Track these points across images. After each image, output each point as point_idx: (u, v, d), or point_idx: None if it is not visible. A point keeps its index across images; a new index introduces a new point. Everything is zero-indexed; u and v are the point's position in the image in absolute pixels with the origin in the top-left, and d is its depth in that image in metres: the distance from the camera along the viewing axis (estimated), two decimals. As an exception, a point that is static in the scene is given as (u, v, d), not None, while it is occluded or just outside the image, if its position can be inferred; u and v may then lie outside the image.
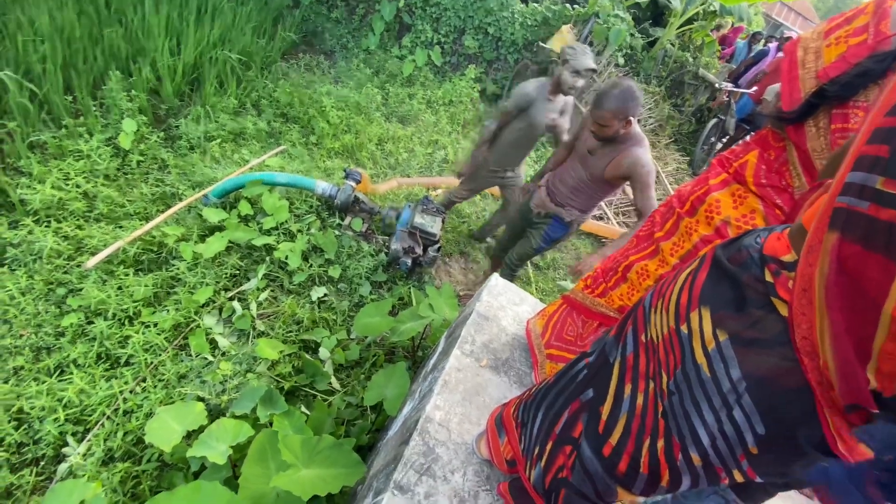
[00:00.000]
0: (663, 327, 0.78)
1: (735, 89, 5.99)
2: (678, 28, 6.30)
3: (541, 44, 5.37)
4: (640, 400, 0.80)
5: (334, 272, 2.77)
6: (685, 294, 0.75)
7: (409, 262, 2.84)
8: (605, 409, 0.87)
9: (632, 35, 5.57)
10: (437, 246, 2.92)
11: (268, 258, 2.72)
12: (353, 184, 3.00)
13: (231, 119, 3.67)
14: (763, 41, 7.68)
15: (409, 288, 2.88)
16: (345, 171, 3.08)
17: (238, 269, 2.64)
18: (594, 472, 0.85)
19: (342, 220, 3.05)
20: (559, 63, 2.46)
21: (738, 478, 0.67)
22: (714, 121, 6.03)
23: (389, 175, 4.01)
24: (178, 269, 2.48)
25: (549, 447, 1.01)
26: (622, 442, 0.80)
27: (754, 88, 6.03)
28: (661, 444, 0.73)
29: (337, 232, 2.97)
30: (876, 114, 0.52)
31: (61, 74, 3.11)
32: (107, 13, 3.75)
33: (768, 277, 0.65)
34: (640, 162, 2.06)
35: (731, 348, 0.65)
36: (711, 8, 6.49)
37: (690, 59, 6.21)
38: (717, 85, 6.01)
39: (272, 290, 2.63)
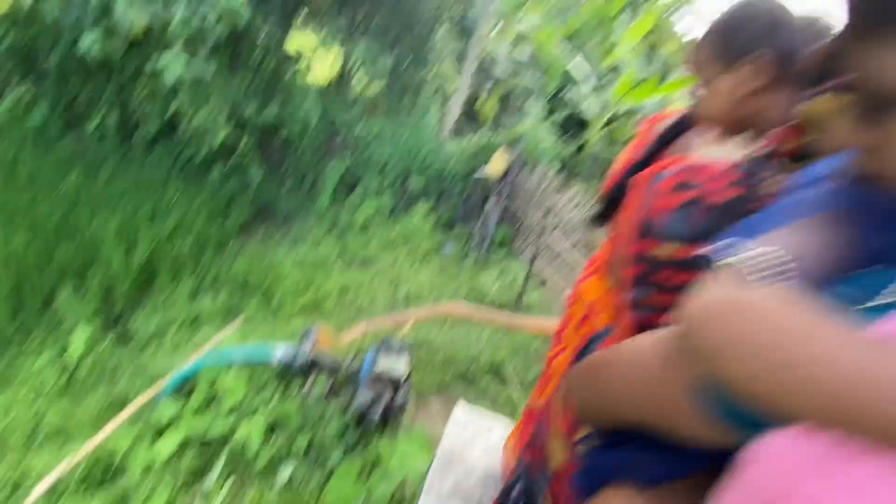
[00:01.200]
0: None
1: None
2: (600, 129, 6.91)
3: (481, 171, 5.77)
4: None
5: (302, 442, 2.58)
6: None
7: (378, 413, 2.68)
8: None
9: (561, 146, 6.08)
10: (406, 387, 2.79)
11: (229, 445, 2.53)
12: (310, 344, 2.94)
13: (187, 304, 3.69)
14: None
15: (382, 442, 2.68)
16: (302, 332, 3.04)
17: (198, 461, 2.44)
18: None
19: (303, 383, 2.93)
20: None
21: None
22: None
23: (356, 322, 3.97)
24: (129, 481, 2.28)
25: None
26: None
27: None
28: None
29: (300, 397, 2.83)
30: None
31: (9, 300, 3.15)
32: (62, 226, 3.89)
33: None
34: None
35: None
36: (624, 109, 7.20)
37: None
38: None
39: (237, 476, 2.41)
